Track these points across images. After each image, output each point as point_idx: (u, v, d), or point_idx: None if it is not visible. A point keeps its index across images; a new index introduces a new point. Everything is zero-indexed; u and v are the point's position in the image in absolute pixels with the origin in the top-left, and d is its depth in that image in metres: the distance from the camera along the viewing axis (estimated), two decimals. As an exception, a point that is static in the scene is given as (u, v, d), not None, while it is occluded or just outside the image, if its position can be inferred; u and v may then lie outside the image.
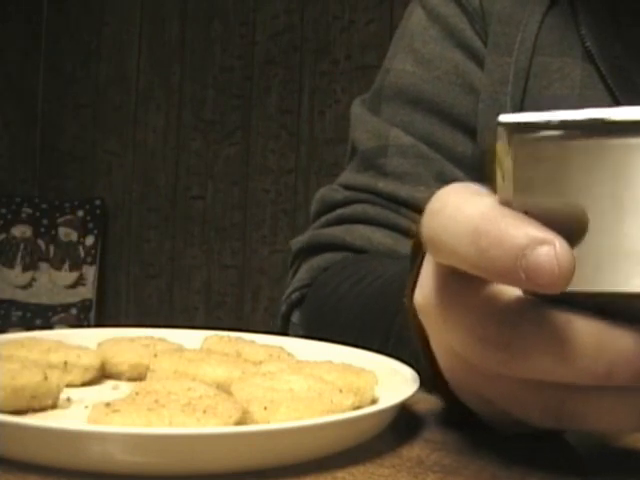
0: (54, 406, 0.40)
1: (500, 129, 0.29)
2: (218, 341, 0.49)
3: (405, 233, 0.65)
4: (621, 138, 0.28)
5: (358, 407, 0.38)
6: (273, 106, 2.44)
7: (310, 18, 2.41)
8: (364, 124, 0.72)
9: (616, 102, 0.63)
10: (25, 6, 2.69)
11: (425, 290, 0.34)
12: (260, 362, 0.45)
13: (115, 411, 0.33)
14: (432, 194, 0.33)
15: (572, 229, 0.29)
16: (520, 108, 0.65)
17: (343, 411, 0.36)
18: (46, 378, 0.38)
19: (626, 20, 0.64)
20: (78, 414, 0.38)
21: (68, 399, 0.41)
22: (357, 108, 0.74)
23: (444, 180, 0.66)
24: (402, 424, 0.40)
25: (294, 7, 2.43)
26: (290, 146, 2.41)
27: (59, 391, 0.39)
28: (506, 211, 0.29)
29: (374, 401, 0.41)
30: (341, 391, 0.38)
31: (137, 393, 0.36)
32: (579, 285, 0.29)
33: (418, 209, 0.50)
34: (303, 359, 0.47)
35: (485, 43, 0.68)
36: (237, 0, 2.49)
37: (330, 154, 2.30)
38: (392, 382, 0.43)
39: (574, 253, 0.28)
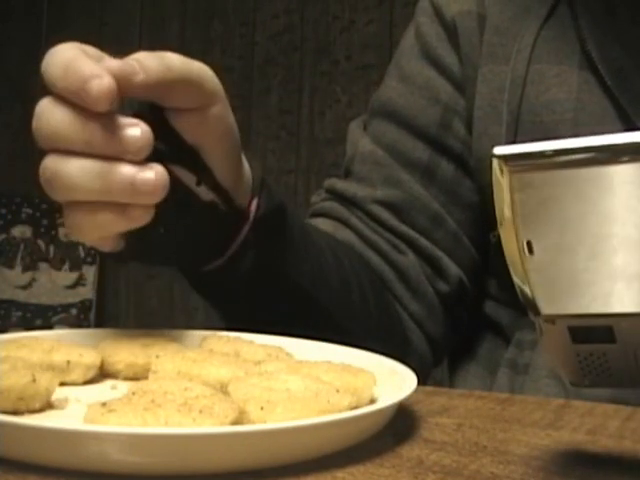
0: (51, 406, 0.39)
1: (495, 161, 0.30)
2: (217, 341, 0.49)
3: (345, 224, 0.74)
4: (611, 165, 0.29)
5: (356, 407, 0.38)
6: (273, 106, 2.43)
7: (310, 18, 2.41)
8: (350, 134, 0.79)
9: (615, 105, 0.64)
10: (25, 6, 2.69)
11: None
12: (259, 362, 0.44)
13: (111, 411, 0.33)
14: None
15: (575, 252, 0.30)
16: (517, 114, 0.67)
17: (340, 411, 0.36)
18: (34, 380, 0.38)
19: (625, 22, 0.65)
20: (75, 414, 0.38)
21: (66, 399, 0.41)
22: (353, 123, 0.80)
23: (390, 183, 0.73)
24: (402, 424, 0.40)
25: (294, 7, 2.43)
26: (290, 146, 2.41)
27: (49, 394, 0.39)
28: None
29: (372, 401, 0.41)
30: (338, 391, 0.38)
31: (134, 393, 0.36)
32: (581, 308, 0.30)
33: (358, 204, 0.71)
34: (302, 359, 0.47)
35: (461, 58, 0.73)
36: (237, 0, 2.49)
37: (330, 154, 2.30)
38: (391, 382, 0.43)
39: (572, 274, 0.30)
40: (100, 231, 0.47)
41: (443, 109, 0.73)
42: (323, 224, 0.74)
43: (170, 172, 0.47)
